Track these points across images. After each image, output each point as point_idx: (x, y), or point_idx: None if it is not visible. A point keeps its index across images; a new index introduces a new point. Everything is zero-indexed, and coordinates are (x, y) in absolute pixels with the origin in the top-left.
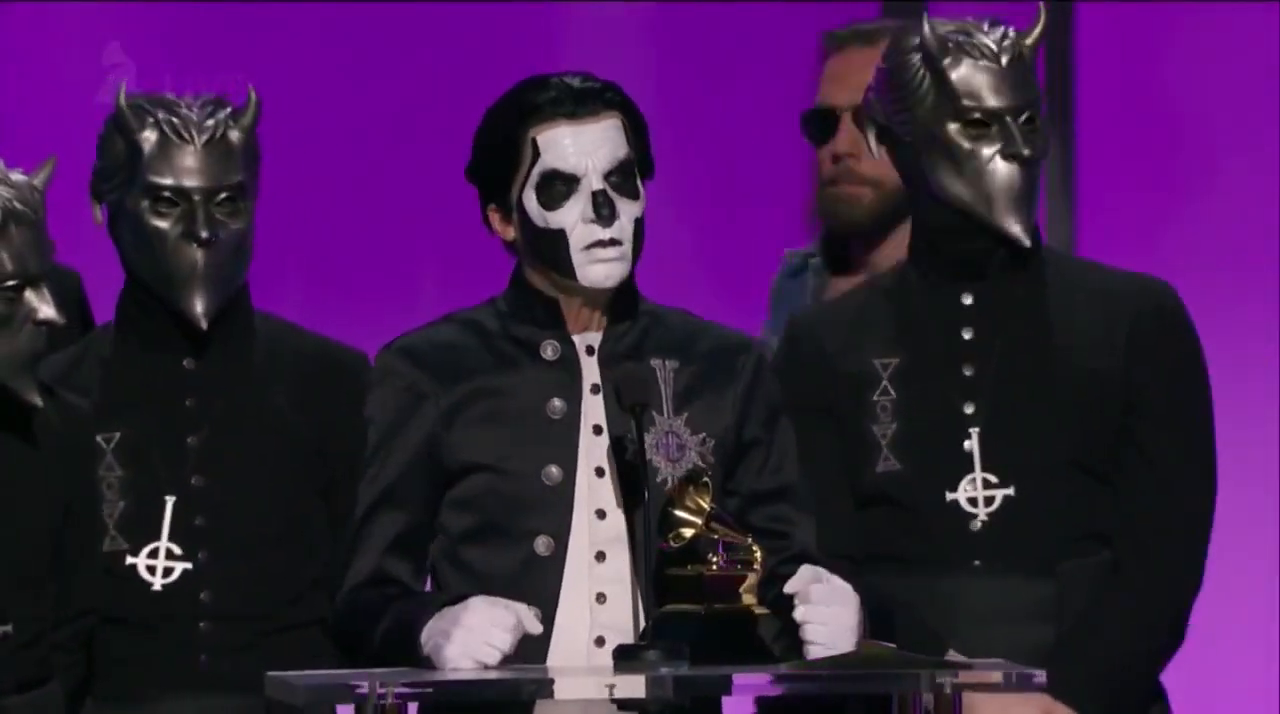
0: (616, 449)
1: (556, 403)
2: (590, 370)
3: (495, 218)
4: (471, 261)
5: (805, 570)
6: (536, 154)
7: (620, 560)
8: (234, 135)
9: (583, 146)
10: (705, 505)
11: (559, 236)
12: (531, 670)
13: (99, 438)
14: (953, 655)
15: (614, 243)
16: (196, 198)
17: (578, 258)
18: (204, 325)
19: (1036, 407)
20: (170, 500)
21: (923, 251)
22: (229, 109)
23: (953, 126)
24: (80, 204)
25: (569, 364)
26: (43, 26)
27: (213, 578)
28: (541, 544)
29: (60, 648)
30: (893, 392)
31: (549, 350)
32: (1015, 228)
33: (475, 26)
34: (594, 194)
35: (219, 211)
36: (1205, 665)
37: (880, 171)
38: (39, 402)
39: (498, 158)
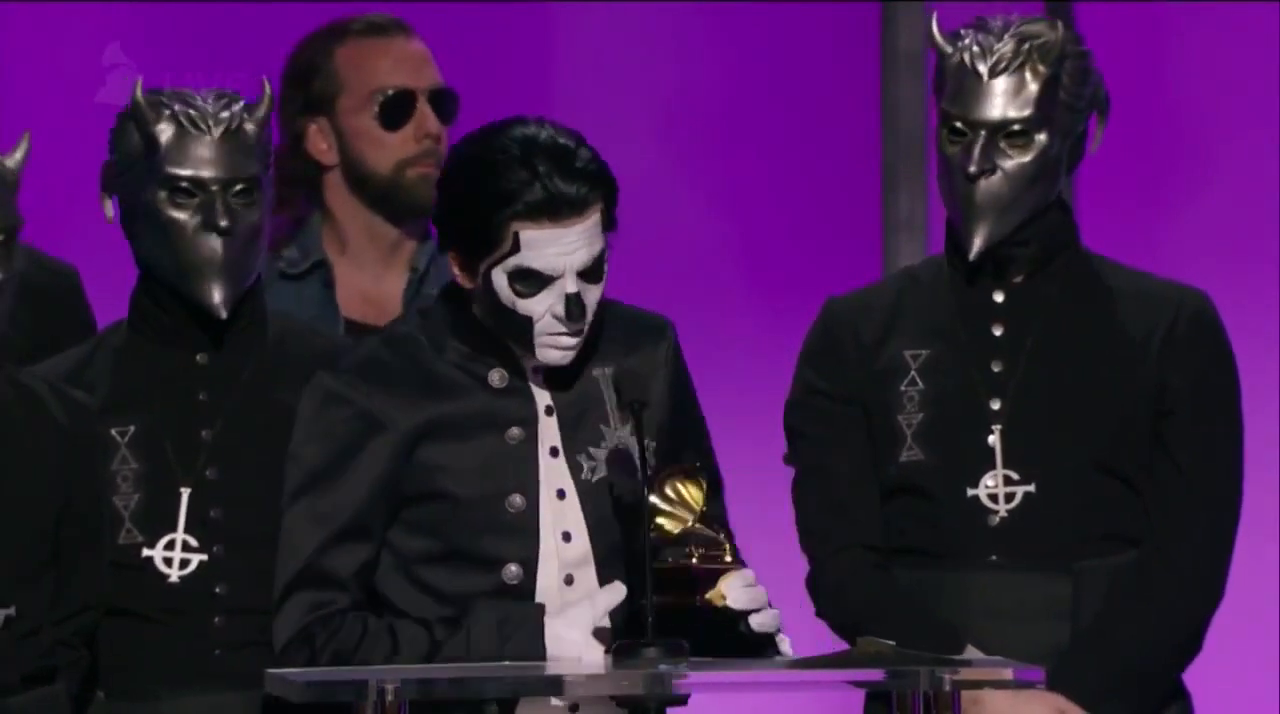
0: (574, 470)
1: (515, 431)
2: (540, 393)
3: (454, 263)
4: None
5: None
6: (516, 247)
7: (588, 582)
8: (249, 128)
9: (564, 248)
10: (689, 498)
11: (525, 321)
12: (531, 668)
13: (113, 431)
14: (970, 652)
15: (577, 333)
16: (214, 188)
17: (539, 340)
18: (223, 314)
19: (1062, 406)
20: (186, 492)
21: (956, 246)
22: (243, 102)
23: (943, 131)
24: (79, 203)
25: (519, 390)
26: (43, 26)
27: (227, 571)
28: (510, 572)
29: (64, 644)
30: (920, 383)
31: (495, 377)
32: (977, 241)
33: (475, 26)
34: (568, 297)
35: (235, 203)
36: (1205, 665)
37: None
38: None
39: (472, 235)
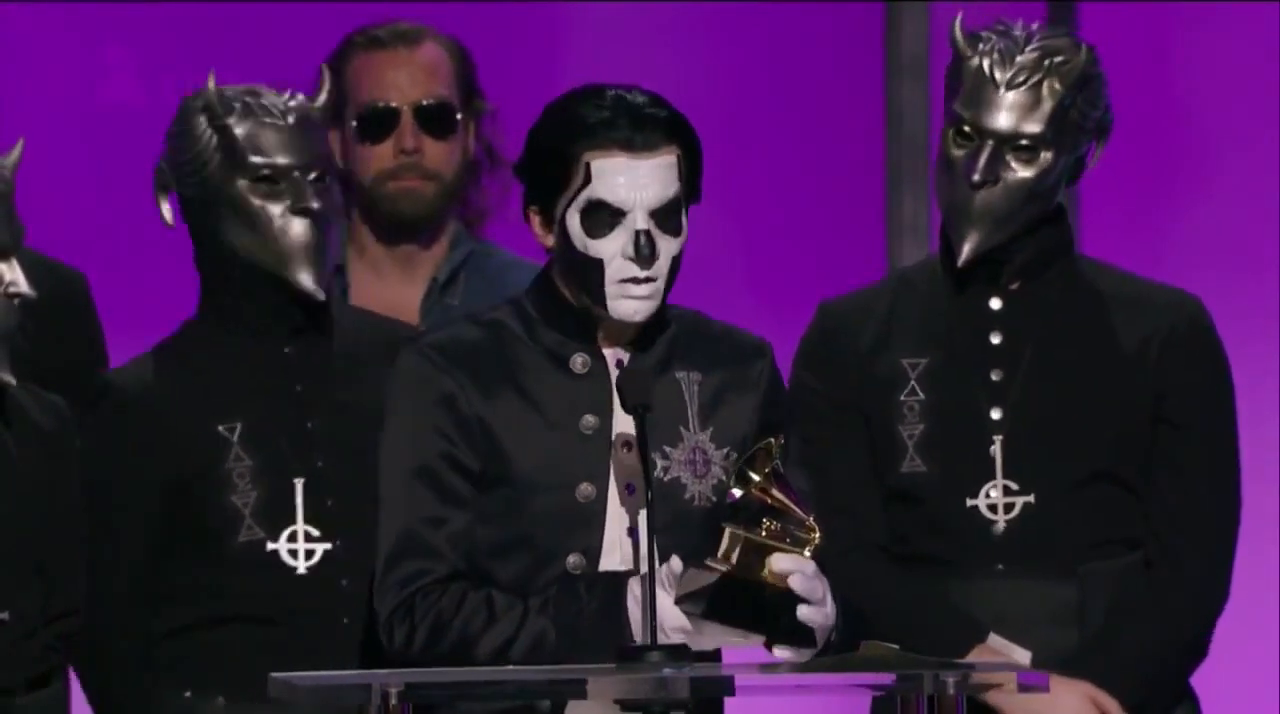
0: (647, 465)
1: (589, 419)
2: None
3: (536, 220)
4: None
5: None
6: (588, 179)
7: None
8: (314, 116)
9: (635, 181)
10: (766, 472)
11: (596, 265)
12: (533, 672)
13: (220, 429)
14: (994, 640)
15: (649, 281)
16: (296, 174)
17: (610, 289)
18: (321, 296)
19: (1062, 416)
20: (300, 482)
21: (949, 250)
22: (302, 94)
23: (949, 131)
24: (82, 206)
25: (599, 379)
26: (42, 26)
27: (350, 563)
28: (572, 563)
29: (49, 648)
30: (920, 393)
31: (578, 363)
32: (967, 247)
33: (477, 27)
34: (637, 233)
35: (313, 187)
36: (1208, 666)
37: (440, 165)
38: (12, 380)
39: (547, 169)
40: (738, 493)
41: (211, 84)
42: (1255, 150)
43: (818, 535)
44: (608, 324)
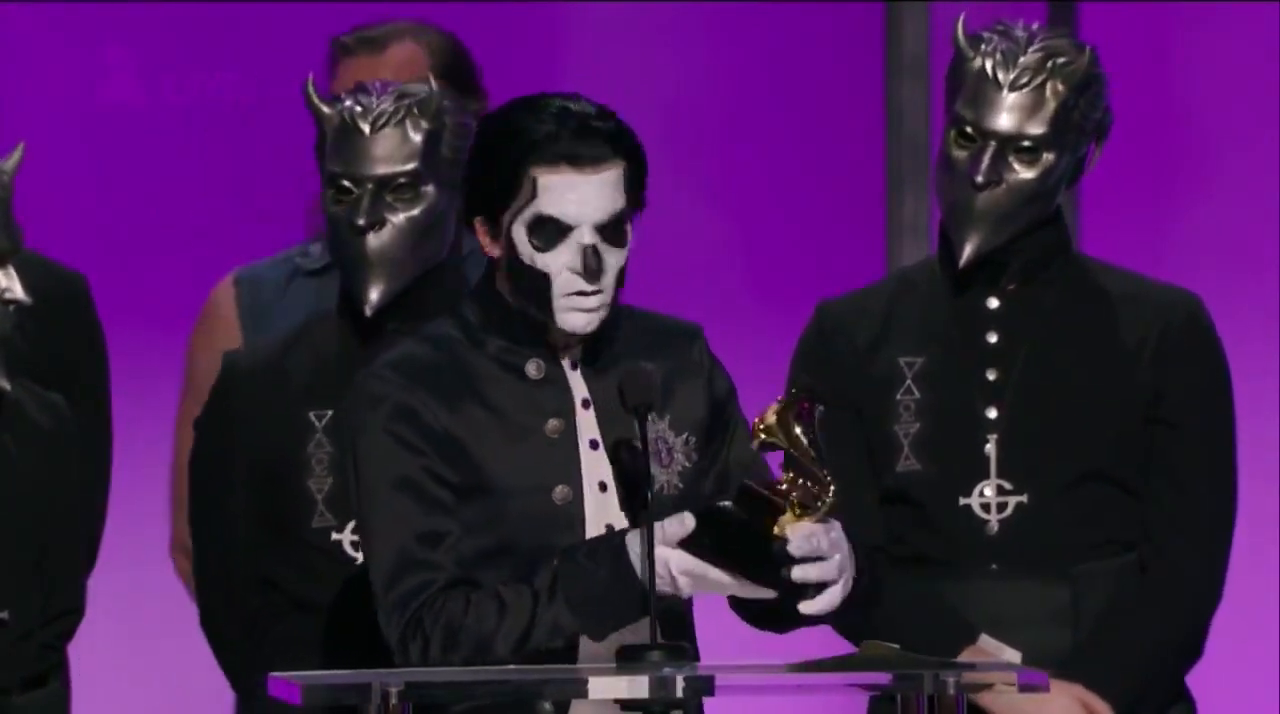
0: (614, 462)
1: (554, 422)
2: (578, 385)
3: (480, 230)
4: None
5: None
6: (534, 194)
7: None
8: (414, 122)
9: (582, 197)
10: (796, 426)
11: (544, 278)
12: (534, 672)
13: (310, 415)
14: (985, 641)
15: (596, 293)
16: (369, 185)
17: (558, 302)
18: (368, 312)
19: (1057, 416)
20: None
21: (949, 251)
22: (416, 98)
23: (951, 132)
24: (82, 206)
25: (556, 381)
26: (42, 26)
27: None
28: None
29: (49, 647)
30: (916, 392)
31: (533, 368)
32: (968, 248)
33: (476, 27)
34: (585, 248)
35: (395, 198)
36: (1205, 666)
37: None
38: (7, 386)
39: (493, 184)
40: (763, 438)
41: (311, 87)
42: (1255, 150)
43: (830, 497)
44: (557, 329)
